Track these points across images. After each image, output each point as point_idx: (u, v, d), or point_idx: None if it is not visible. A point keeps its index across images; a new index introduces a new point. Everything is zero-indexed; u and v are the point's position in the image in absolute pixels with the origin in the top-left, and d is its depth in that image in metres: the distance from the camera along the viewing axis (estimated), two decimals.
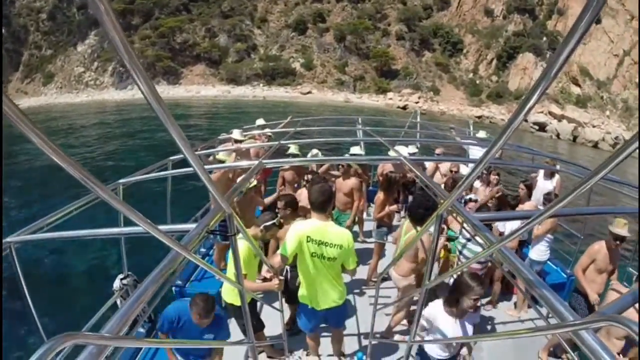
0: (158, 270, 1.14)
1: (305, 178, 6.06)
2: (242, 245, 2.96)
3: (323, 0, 61.27)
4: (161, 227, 1.35)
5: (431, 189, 2.61)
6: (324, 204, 2.90)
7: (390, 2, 62.41)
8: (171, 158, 4.71)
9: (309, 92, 50.51)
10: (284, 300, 3.51)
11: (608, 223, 3.93)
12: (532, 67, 59.87)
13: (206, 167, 2.99)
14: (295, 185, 6.05)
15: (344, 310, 3.26)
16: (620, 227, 3.76)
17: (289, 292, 3.62)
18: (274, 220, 3.39)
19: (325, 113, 37.56)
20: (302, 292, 3.10)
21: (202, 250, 5.73)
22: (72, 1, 58.42)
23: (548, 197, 4.94)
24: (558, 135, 48.10)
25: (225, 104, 44.09)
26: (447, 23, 62.26)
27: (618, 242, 3.80)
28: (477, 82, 58.83)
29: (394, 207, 5.01)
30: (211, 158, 5.63)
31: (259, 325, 3.54)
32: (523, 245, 5.57)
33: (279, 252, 2.93)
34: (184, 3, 58.13)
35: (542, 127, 49.64)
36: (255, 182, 4.64)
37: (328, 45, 56.29)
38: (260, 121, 8.04)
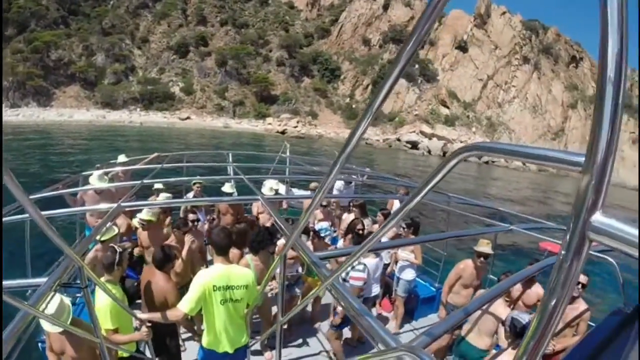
0: (6, 333, 1.14)
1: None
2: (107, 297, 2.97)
3: (207, 23, 69.42)
4: (8, 282, 1.53)
5: (279, 228, 2.98)
6: (227, 247, 3.28)
7: (273, 29, 72.98)
8: (30, 197, 5.82)
9: (188, 118, 58.23)
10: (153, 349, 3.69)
11: (468, 240, 4.69)
12: (404, 92, 73.92)
13: (72, 210, 3.51)
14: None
15: (247, 349, 3.54)
16: (484, 246, 4.64)
17: (157, 341, 3.74)
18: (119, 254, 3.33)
19: (205, 141, 43.42)
20: (209, 338, 3.30)
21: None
22: None
23: (407, 223, 5.61)
24: (429, 152, 61.13)
25: (100, 130, 45.70)
26: (326, 50, 74.17)
27: (482, 259, 4.68)
28: (353, 106, 70.96)
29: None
30: (79, 197, 5.71)
31: None
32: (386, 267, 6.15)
33: (179, 306, 3.09)
34: (62, 16, 62.57)
35: (414, 145, 63.00)
36: (116, 230, 4.60)
37: (209, 69, 65.37)
38: (122, 158, 7.87)
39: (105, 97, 57.29)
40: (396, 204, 7.16)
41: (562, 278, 0.51)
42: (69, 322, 2.51)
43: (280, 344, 2.28)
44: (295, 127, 61.90)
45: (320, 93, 69.62)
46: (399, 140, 65.38)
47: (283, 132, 58.77)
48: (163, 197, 5.77)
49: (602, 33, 0.43)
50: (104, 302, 3.07)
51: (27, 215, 3.51)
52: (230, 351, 3.32)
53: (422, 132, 66.89)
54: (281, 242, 4.55)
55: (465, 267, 4.84)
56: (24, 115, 51.79)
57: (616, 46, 0.43)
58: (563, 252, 0.51)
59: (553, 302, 0.52)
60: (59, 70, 58.64)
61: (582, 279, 4.03)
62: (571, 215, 0.51)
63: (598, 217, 0.48)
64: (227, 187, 6.70)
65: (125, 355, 3.43)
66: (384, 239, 5.22)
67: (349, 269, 4.26)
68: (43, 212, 3.12)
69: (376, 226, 6.09)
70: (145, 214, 5.13)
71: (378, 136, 67.17)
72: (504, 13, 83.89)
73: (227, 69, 65.01)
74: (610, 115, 0.46)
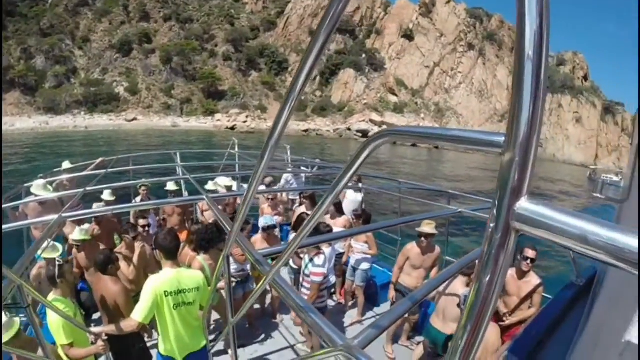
0: None
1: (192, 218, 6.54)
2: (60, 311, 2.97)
3: (150, 19, 69.41)
4: None
5: (222, 226, 2.89)
6: (175, 250, 3.33)
7: (218, 23, 73.71)
8: None
9: (134, 119, 58.47)
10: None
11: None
12: (352, 81, 76.39)
13: (11, 225, 3.16)
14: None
15: (206, 351, 3.47)
16: (425, 227, 4.78)
17: (120, 350, 3.75)
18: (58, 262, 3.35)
19: (154, 142, 43.57)
20: (165, 346, 3.31)
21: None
22: None
23: (356, 214, 5.93)
24: None
25: (44, 137, 44.73)
26: (273, 43, 75.66)
27: (423, 239, 4.83)
28: (303, 98, 72.01)
29: None
30: (21, 210, 5.52)
31: None
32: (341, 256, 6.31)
33: (132, 315, 3.10)
34: None
35: (364, 133, 65.84)
36: (59, 249, 4.36)
37: (154, 67, 65.70)
38: (66, 164, 7.79)
39: (47, 102, 56.13)
40: (349, 194, 7.38)
41: (489, 274, 0.48)
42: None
43: (234, 344, 2.29)
44: (245, 122, 63.34)
45: (268, 86, 71.21)
46: (349, 129, 68.09)
47: (233, 128, 59.71)
48: (96, 207, 5.64)
49: (519, 7, 0.42)
50: (56, 317, 3.07)
51: None
52: (188, 354, 3.38)
53: (371, 121, 69.53)
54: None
55: (412, 248, 5.01)
56: None
57: (535, 22, 0.42)
58: (486, 245, 0.48)
59: (480, 301, 0.50)
60: None
61: (531, 253, 4.17)
62: (493, 203, 0.47)
63: (523, 204, 0.46)
64: (172, 185, 6.67)
65: None
66: (336, 230, 5.43)
67: (310, 264, 4.51)
68: None
69: (328, 217, 6.00)
70: (78, 234, 4.92)
71: (328, 127, 69.52)
72: (448, 2, 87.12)
73: (172, 66, 65.38)
74: (531, 93, 0.44)
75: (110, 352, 3.51)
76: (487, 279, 0.48)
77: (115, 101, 60.67)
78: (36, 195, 5.40)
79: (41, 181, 5.85)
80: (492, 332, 3.50)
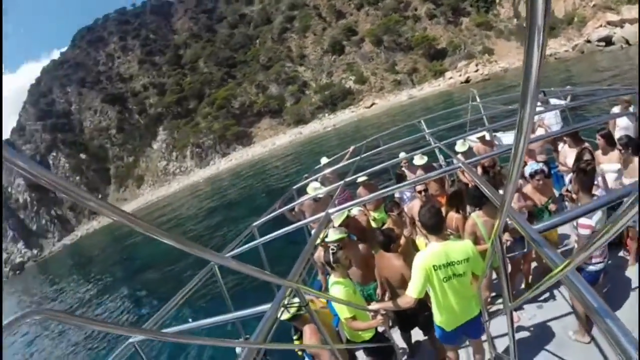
0: None
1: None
2: (340, 290, 3.48)
3: (345, 14, 70.74)
4: (238, 313, 1.98)
5: (487, 195, 2.69)
6: (439, 224, 3.31)
7: None
8: (254, 225, 4.83)
9: (373, 104, 59.34)
10: (396, 330, 4.13)
11: None
12: None
13: (289, 228, 3.85)
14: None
15: (480, 320, 3.47)
16: None
17: (401, 320, 4.06)
18: (333, 249, 3.63)
19: (397, 118, 43.48)
20: (440, 316, 3.41)
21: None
22: (132, 110, 72.17)
23: (622, 142, 4.72)
24: (628, 42, 51.62)
25: (301, 145, 51.49)
26: None
27: None
28: (524, 24, 63.96)
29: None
30: (297, 209, 6.18)
31: (388, 355, 4.00)
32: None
33: (407, 292, 3.23)
34: (225, 72, 71.44)
35: (607, 41, 54.44)
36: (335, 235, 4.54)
37: (370, 53, 66.15)
38: (324, 160, 8.33)
39: (293, 117, 62.49)
40: (619, 122, 6.34)
41: None
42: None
43: (512, 329, 2.16)
44: (477, 70, 57.84)
45: (484, 27, 65.01)
46: (588, 41, 56.92)
47: (467, 81, 55.32)
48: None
49: None
50: (338, 294, 3.45)
51: (253, 243, 4.26)
52: (463, 323, 3.41)
53: (609, 23, 57.57)
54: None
55: None
56: (235, 158, 59.95)
57: None
58: None
59: None
60: (246, 114, 65.70)
61: None
62: None
63: None
64: (418, 159, 6.60)
65: (367, 338, 3.77)
66: (611, 166, 4.93)
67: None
68: (270, 235, 4.23)
69: (598, 152, 5.28)
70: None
71: (564, 46, 59.51)
72: None
73: (385, 45, 65.14)
74: None
75: (395, 322, 4.23)
76: None
77: (350, 95, 63.09)
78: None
79: (316, 183, 6.39)
80: None
